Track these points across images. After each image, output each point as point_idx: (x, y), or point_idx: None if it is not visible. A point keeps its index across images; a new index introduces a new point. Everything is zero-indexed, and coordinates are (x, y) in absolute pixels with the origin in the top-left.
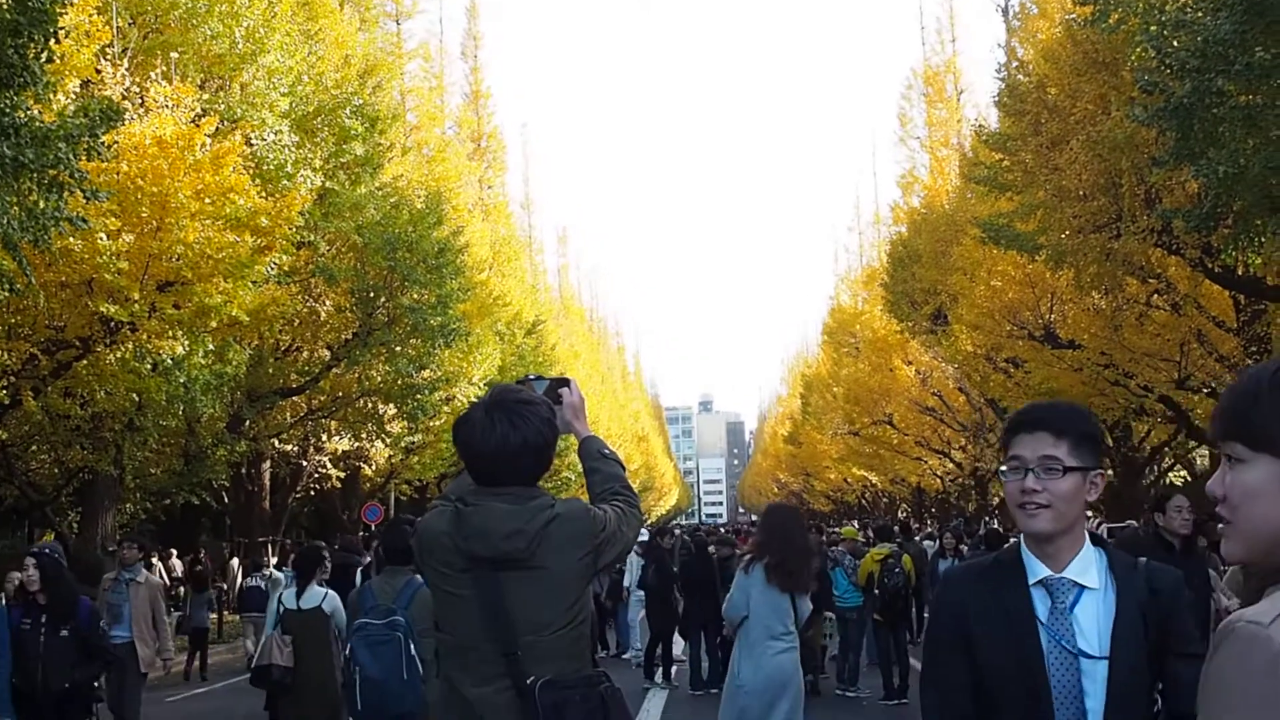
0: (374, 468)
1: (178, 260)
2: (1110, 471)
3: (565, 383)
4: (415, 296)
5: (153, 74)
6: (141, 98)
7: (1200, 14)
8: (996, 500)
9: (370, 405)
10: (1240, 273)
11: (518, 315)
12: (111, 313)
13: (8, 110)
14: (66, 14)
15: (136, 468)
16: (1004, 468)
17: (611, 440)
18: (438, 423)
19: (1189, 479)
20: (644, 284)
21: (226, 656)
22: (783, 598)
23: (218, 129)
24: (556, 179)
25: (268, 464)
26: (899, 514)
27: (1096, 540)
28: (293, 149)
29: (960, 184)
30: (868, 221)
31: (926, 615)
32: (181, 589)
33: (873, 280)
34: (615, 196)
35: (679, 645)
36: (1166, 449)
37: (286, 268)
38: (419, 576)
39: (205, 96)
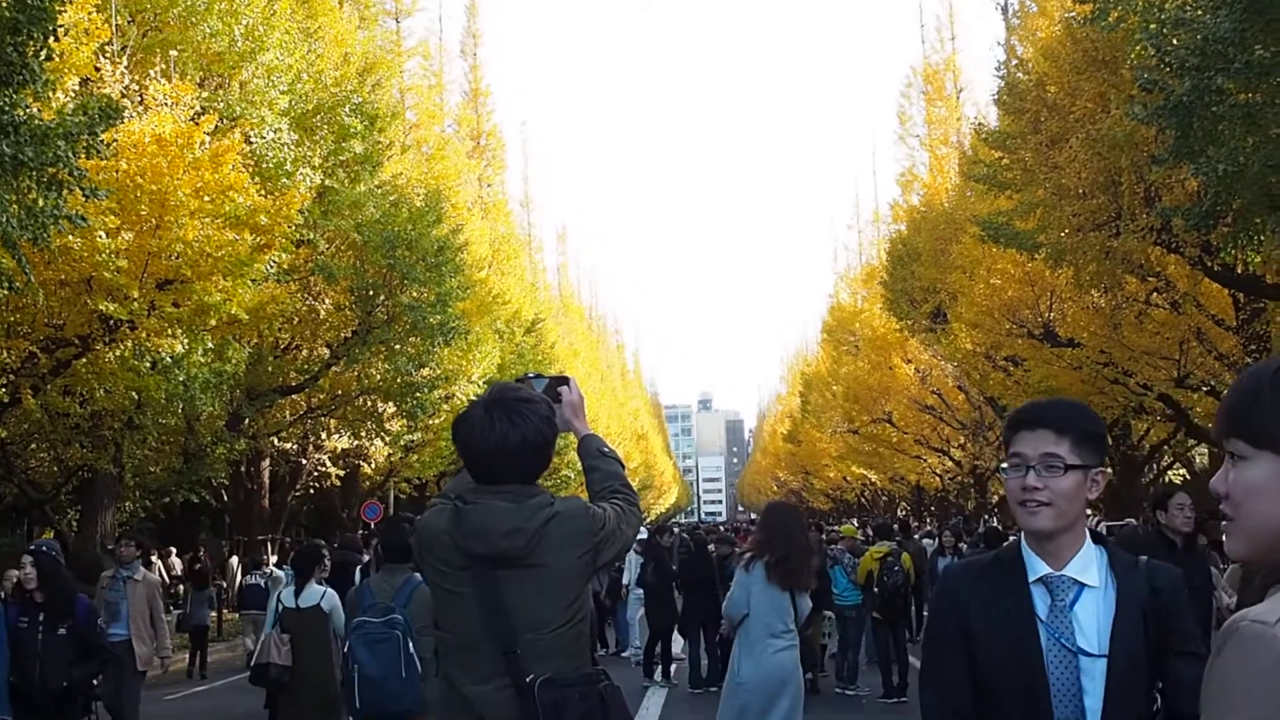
0: (373, 466)
1: (177, 258)
2: (1109, 469)
3: (564, 381)
4: (414, 294)
5: (152, 72)
6: (140, 96)
7: (1200, 12)
8: (996, 498)
9: (369, 403)
10: (1239, 271)
11: (517, 313)
12: (111, 311)
13: (7, 108)
14: (66, 12)
15: (136, 466)
16: (1005, 465)
17: (611, 438)
18: (437, 421)
19: (1188, 477)
20: (643, 282)
21: (226, 655)
22: (783, 596)
23: (217, 127)
24: (556, 177)
25: (267, 462)
26: (898, 512)
27: (1097, 538)
28: (292, 147)
29: (960, 182)
30: (867, 220)
31: (926, 613)
32: (181, 587)
33: (872, 278)
34: (615, 195)
35: (678, 643)
36: (1165, 447)
37: (286, 266)
38: (417, 575)
39: (204, 94)
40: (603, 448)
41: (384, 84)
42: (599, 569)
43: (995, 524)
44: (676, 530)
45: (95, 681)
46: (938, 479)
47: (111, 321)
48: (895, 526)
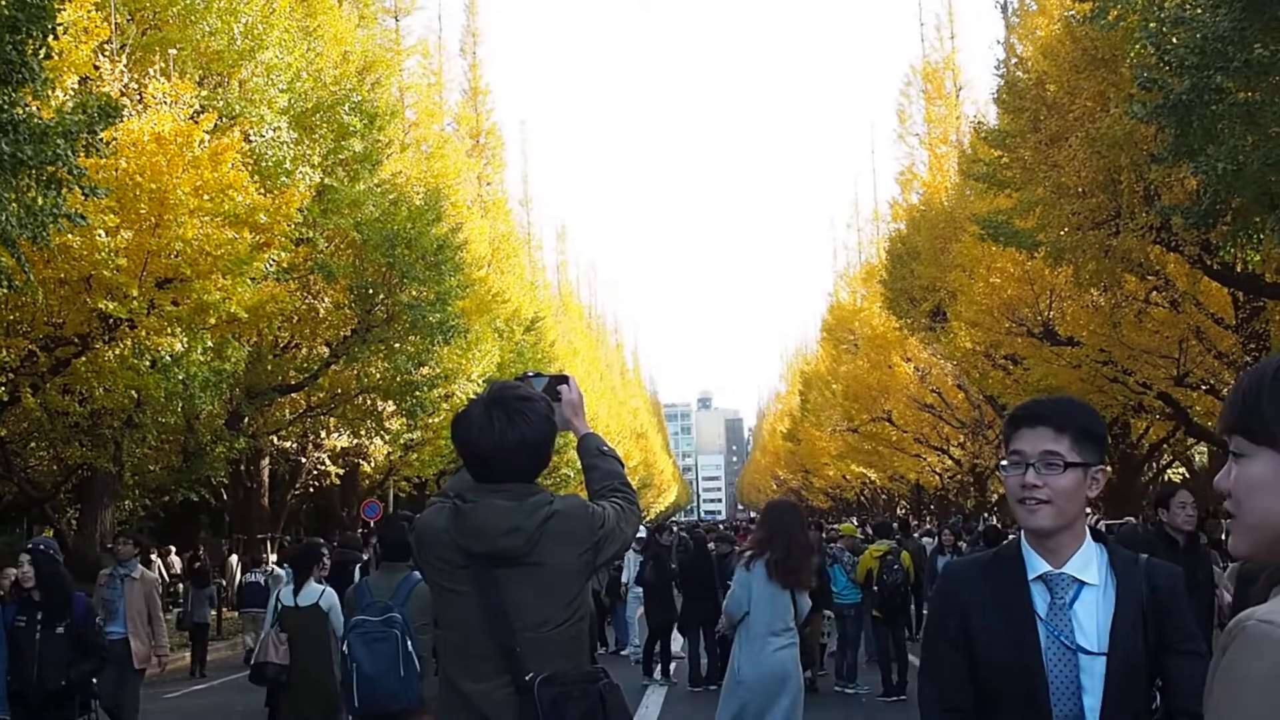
0: (373, 464)
1: (176, 257)
2: (1109, 467)
3: (564, 379)
4: (414, 293)
5: (151, 70)
6: (140, 94)
7: (1199, 11)
8: (995, 497)
9: (369, 402)
10: (1239, 269)
11: (516, 312)
12: (110, 309)
13: (6, 107)
14: (65, 10)
15: (135, 464)
16: (1005, 462)
17: (610, 437)
18: (436, 420)
19: (1187, 475)
20: (643, 281)
21: (226, 653)
22: (784, 594)
23: (216, 125)
24: (555, 176)
25: (267, 461)
26: (898, 511)
27: (1097, 536)
28: (291, 145)
29: (959, 181)
30: (867, 218)
31: (925, 612)
32: (181, 585)
33: (872, 277)
34: (614, 193)
35: (677, 642)
36: (1165, 445)
37: (285, 264)
38: (416, 573)
39: (204, 93)
40: (602, 446)
41: (383, 82)
42: (599, 567)
43: (995, 522)
44: (676, 529)
45: (94, 680)
46: (937, 477)
47: (111, 320)
48: (895, 525)
